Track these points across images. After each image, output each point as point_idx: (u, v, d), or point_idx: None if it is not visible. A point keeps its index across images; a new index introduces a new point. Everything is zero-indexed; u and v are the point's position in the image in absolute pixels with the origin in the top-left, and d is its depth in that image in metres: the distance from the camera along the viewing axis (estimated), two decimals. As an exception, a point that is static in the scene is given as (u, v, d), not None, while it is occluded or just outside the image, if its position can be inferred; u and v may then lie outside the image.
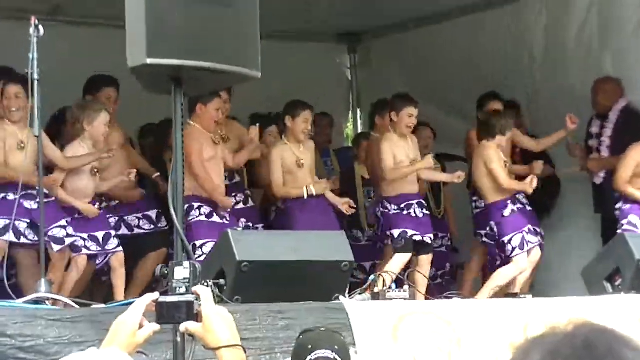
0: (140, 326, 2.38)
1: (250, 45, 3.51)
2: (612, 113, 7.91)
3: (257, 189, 7.90)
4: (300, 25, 9.11)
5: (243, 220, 7.14)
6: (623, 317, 5.30)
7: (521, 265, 7.24)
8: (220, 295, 4.77)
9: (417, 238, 7.14)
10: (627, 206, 7.34)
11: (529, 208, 7.54)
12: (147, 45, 3.30)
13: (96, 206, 6.53)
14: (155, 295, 2.53)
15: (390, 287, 5.59)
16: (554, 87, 8.41)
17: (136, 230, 6.96)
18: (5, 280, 5.47)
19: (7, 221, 5.96)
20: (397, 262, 6.98)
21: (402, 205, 7.20)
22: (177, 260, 2.93)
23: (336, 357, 3.46)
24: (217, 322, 2.39)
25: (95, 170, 6.52)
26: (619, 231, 7.20)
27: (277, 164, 7.08)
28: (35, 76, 5.14)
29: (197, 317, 2.44)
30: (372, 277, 5.87)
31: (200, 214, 6.60)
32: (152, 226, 7.03)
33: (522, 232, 7.25)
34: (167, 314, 2.50)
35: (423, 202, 7.36)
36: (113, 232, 6.55)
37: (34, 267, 6.11)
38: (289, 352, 3.64)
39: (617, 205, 7.41)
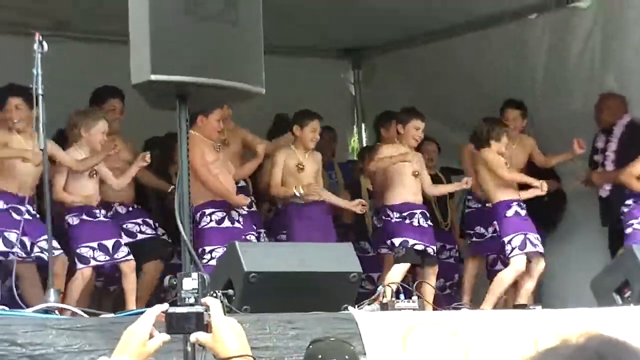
0: (151, 336, 2.39)
1: (254, 61, 3.52)
2: (617, 128, 7.96)
3: (261, 199, 7.93)
4: (305, 41, 9.14)
5: (254, 226, 7.14)
6: (633, 329, 5.29)
7: (519, 267, 7.15)
8: (229, 306, 4.78)
9: (419, 247, 7.11)
10: (630, 202, 7.34)
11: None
12: (151, 61, 3.30)
13: (101, 215, 6.52)
14: (165, 305, 2.53)
15: (398, 298, 5.58)
16: (556, 105, 8.43)
17: (139, 236, 6.94)
18: (15, 290, 5.49)
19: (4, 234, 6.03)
20: (397, 272, 6.96)
21: (405, 214, 7.19)
22: (186, 272, 2.93)
23: (346, 367, 3.46)
24: (227, 333, 2.39)
25: (94, 173, 6.54)
26: (628, 230, 7.20)
27: (280, 165, 7.14)
28: (40, 91, 5.18)
29: (207, 328, 2.44)
30: (380, 287, 5.88)
31: (211, 220, 6.63)
32: (153, 232, 7.02)
33: (523, 234, 7.21)
34: (176, 325, 2.51)
35: (427, 213, 7.33)
36: (123, 241, 6.56)
37: (33, 277, 6.15)
38: (299, 361, 3.64)
39: (627, 202, 7.40)
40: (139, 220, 6.96)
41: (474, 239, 7.87)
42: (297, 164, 7.14)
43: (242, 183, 7.53)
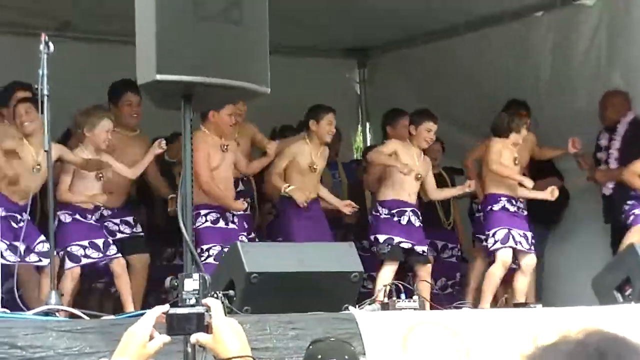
0: (151, 337, 2.39)
1: (259, 61, 3.51)
2: (621, 126, 7.95)
3: (265, 201, 7.94)
4: (310, 41, 9.14)
5: (246, 226, 7.14)
6: (634, 326, 5.28)
7: (503, 259, 7.10)
8: (230, 306, 4.78)
9: (406, 245, 7.05)
10: (632, 201, 7.37)
11: (524, 215, 7.51)
12: (157, 61, 3.30)
13: (92, 219, 6.53)
14: (165, 307, 2.53)
15: (399, 297, 5.58)
16: (561, 103, 8.42)
17: (118, 235, 6.92)
18: (16, 292, 5.49)
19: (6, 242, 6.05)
20: (387, 272, 6.91)
21: (394, 211, 7.15)
22: (187, 272, 2.93)
23: (346, 367, 3.46)
24: (228, 333, 2.40)
25: (100, 175, 6.55)
26: (630, 218, 7.20)
27: (287, 157, 7.13)
28: (45, 92, 5.18)
29: (207, 329, 2.44)
30: (380, 287, 5.87)
31: (206, 220, 6.65)
32: (131, 230, 6.99)
33: (507, 229, 7.17)
34: (177, 326, 2.51)
35: (418, 211, 7.26)
36: (111, 240, 6.57)
37: (32, 279, 6.16)
38: (299, 362, 3.64)
39: (624, 207, 7.41)
40: (117, 221, 6.94)
41: (484, 243, 7.84)
42: (309, 164, 7.14)
43: (241, 187, 7.54)
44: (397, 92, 9.45)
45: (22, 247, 6.05)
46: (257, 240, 7.33)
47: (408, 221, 7.14)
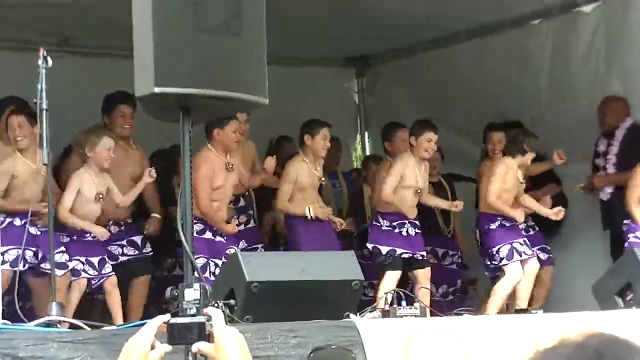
0: (152, 347, 2.39)
1: (257, 72, 3.52)
2: (619, 131, 7.96)
3: (267, 212, 7.94)
4: (308, 50, 9.16)
5: (242, 242, 7.14)
6: (635, 331, 5.29)
7: (515, 275, 7.16)
8: (231, 315, 4.77)
9: (406, 255, 7.11)
10: (635, 225, 7.35)
11: (530, 230, 7.55)
12: (155, 74, 3.31)
13: (89, 236, 6.56)
14: (166, 316, 2.54)
15: (400, 305, 5.58)
16: (561, 110, 8.43)
17: (121, 258, 6.96)
18: (17, 304, 5.49)
19: (18, 251, 6.07)
20: (390, 280, 6.95)
21: (395, 223, 7.19)
22: (187, 282, 2.94)
23: (348, 375, 3.46)
24: (229, 342, 2.40)
25: (100, 196, 6.56)
26: (625, 244, 7.22)
27: (290, 178, 7.13)
28: (44, 106, 5.20)
29: (208, 338, 2.44)
30: (381, 295, 5.88)
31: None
32: (137, 252, 7.03)
33: (510, 244, 7.22)
34: (178, 335, 2.51)
35: (417, 222, 7.30)
36: (106, 258, 6.63)
37: (45, 292, 6.16)
38: (301, 370, 3.64)
39: (625, 221, 7.42)
40: (124, 242, 6.97)
41: (487, 262, 7.84)
42: (311, 181, 7.16)
43: (242, 202, 7.56)
44: (397, 101, 9.47)
45: (29, 253, 6.08)
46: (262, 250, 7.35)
47: (407, 232, 7.19)
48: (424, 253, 7.27)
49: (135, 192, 6.84)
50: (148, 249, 7.09)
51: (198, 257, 6.37)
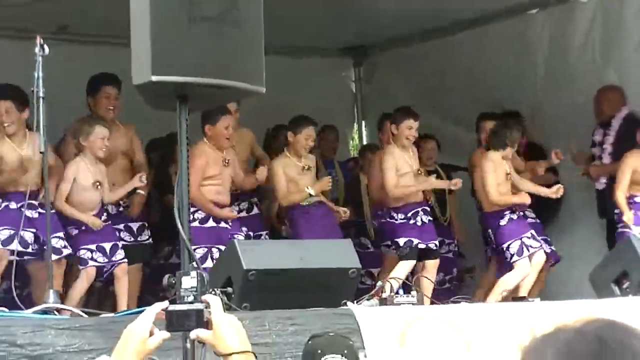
0: (151, 334, 2.39)
1: (254, 61, 3.52)
2: (615, 121, 7.97)
3: (266, 199, 7.94)
4: (306, 40, 9.13)
5: (244, 229, 7.13)
6: (632, 319, 5.30)
7: (523, 270, 7.22)
8: (228, 303, 4.78)
9: (422, 246, 7.18)
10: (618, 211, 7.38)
11: (530, 220, 7.57)
12: (152, 62, 3.30)
13: (103, 218, 6.58)
14: (164, 303, 2.54)
15: (398, 293, 5.59)
16: (558, 99, 8.44)
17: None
18: (14, 292, 5.50)
19: (12, 231, 6.07)
20: (402, 268, 7.00)
21: (409, 214, 7.24)
22: (185, 270, 2.94)
23: (346, 361, 3.47)
24: (227, 329, 2.40)
25: (98, 184, 6.56)
26: (617, 232, 7.26)
27: (280, 177, 7.13)
28: (41, 94, 5.19)
29: (207, 325, 2.45)
30: (379, 283, 5.89)
31: (194, 219, 6.63)
32: (132, 238, 7.00)
33: (520, 239, 7.25)
34: (176, 322, 2.51)
35: (428, 208, 7.37)
36: (120, 244, 6.59)
37: (43, 278, 6.16)
38: (299, 356, 3.65)
39: (617, 210, 7.44)
40: (121, 226, 6.95)
41: (488, 252, 7.88)
42: (297, 171, 7.14)
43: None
44: (395, 90, 9.46)
45: (27, 235, 6.05)
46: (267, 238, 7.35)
47: (422, 222, 7.24)
48: (437, 242, 7.31)
49: (122, 191, 6.82)
50: (144, 236, 7.06)
51: (198, 248, 6.35)
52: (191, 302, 2.59)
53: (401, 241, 7.15)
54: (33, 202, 6.16)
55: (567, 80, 8.42)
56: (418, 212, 7.27)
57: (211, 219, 6.66)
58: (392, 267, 7.21)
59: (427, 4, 8.23)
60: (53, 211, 6.14)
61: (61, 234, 6.26)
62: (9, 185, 6.29)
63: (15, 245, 6.04)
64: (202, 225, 6.58)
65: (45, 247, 6.05)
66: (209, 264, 6.24)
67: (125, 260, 6.53)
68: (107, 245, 6.48)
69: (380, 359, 4.73)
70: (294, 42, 8.89)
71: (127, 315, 4.66)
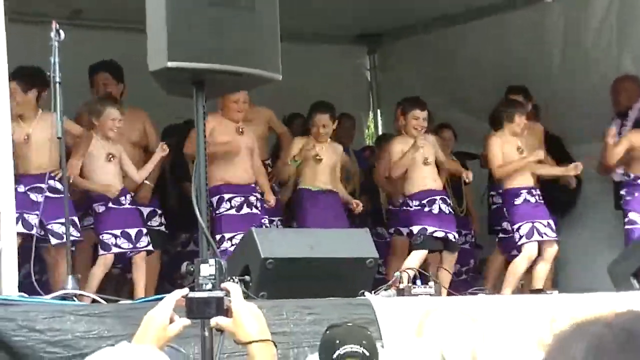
0: (171, 321, 2.40)
1: (271, 47, 3.51)
2: (632, 111, 7.92)
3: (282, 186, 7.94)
4: (321, 27, 9.12)
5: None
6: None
7: (529, 253, 7.09)
8: (246, 292, 4.79)
9: (439, 235, 7.08)
10: (628, 198, 7.34)
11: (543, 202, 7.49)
12: (168, 48, 3.29)
13: (126, 202, 6.55)
14: (184, 290, 2.54)
15: (415, 283, 5.59)
16: (574, 87, 8.40)
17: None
18: (33, 277, 5.51)
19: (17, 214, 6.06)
20: (414, 258, 6.91)
21: (425, 201, 7.16)
22: (203, 258, 2.94)
23: (364, 351, 3.47)
24: (247, 317, 2.40)
25: (111, 156, 6.56)
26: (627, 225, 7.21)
27: (295, 148, 7.15)
28: (58, 79, 5.20)
29: (227, 313, 2.45)
30: (396, 273, 5.88)
31: (231, 207, 6.63)
32: (143, 225, 6.95)
33: (531, 222, 7.16)
34: (197, 310, 2.52)
35: (447, 198, 7.30)
36: (145, 230, 6.57)
37: (60, 263, 6.17)
38: (317, 346, 3.65)
39: (622, 192, 7.37)
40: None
41: (501, 234, 7.84)
42: (314, 155, 7.15)
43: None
44: (410, 79, 9.44)
45: (35, 220, 6.03)
46: (279, 224, 7.34)
47: (439, 210, 7.16)
48: (456, 234, 7.21)
49: (149, 166, 6.81)
50: (154, 222, 6.97)
51: (237, 234, 6.35)
52: (210, 290, 2.59)
53: (415, 229, 7.07)
54: (40, 185, 6.14)
55: (583, 69, 8.37)
56: (435, 200, 7.18)
57: (245, 206, 6.66)
58: (401, 254, 7.16)
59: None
60: (61, 195, 6.12)
61: (63, 220, 6.18)
62: (18, 168, 6.26)
63: (19, 228, 6.02)
64: (238, 213, 6.59)
65: (49, 232, 6.04)
66: None
67: (150, 247, 6.48)
68: (133, 231, 6.42)
69: (398, 349, 4.73)
70: (308, 29, 8.87)
71: (146, 302, 4.67)
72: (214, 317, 2.47)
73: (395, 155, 7.22)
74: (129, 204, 6.55)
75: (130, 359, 2.07)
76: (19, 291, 4.61)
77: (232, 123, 6.80)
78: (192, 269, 2.80)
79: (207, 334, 3.17)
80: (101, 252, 6.37)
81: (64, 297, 4.75)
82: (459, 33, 9.05)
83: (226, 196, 6.63)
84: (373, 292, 5.28)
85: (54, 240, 5.98)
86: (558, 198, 7.81)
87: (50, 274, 6.30)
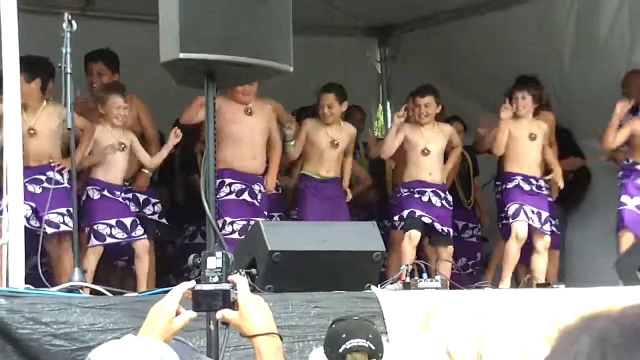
0: (177, 313, 2.40)
1: (282, 39, 3.51)
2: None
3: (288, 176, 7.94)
4: (331, 19, 9.11)
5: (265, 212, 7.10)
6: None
7: (516, 232, 7.05)
8: (253, 284, 4.78)
9: (427, 220, 7.00)
10: (624, 181, 7.34)
11: (546, 196, 7.45)
12: (180, 40, 3.30)
13: (120, 196, 6.54)
14: (191, 283, 2.54)
15: (421, 277, 5.57)
16: (585, 80, 8.36)
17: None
18: (40, 269, 5.51)
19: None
20: (407, 252, 6.82)
21: (415, 190, 7.11)
22: (210, 250, 2.94)
23: (370, 345, 3.46)
24: (254, 310, 2.40)
25: (123, 145, 6.55)
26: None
27: (301, 133, 7.16)
28: (69, 70, 5.20)
29: (233, 306, 2.45)
30: (403, 267, 5.87)
31: (231, 191, 6.61)
32: (137, 209, 6.84)
33: (518, 204, 7.11)
34: (203, 302, 2.52)
35: (441, 193, 7.19)
36: (137, 220, 6.55)
37: (63, 256, 6.18)
38: (322, 339, 3.65)
39: (618, 175, 7.37)
40: (129, 195, 6.77)
41: (504, 221, 7.82)
42: (330, 141, 7.15)
43: None
44: (420, 71, 9.42)
45: (28, 212, 5.99)
46: (278, 218, 7.32)
47: (428, 200, 7.11)
48: (448, 229, 7.13)
49: (164, 152, 6.80)
50: (148, 211, 6.89)
51: (238, 220, 6.37)
52: (217, 282, 2.59)
53: (405, 213, 7.02)
54: (39, 176, 6.13)
55: (595, 61, 8.33)
56: (425, 191, 7.10)
57: (246, 193, 6.64)
58: (398, 248, 7.13)
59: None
60: (61, 186, 6.11)
61: (63, 210, 6.07)
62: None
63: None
64: (238, 198, 6.58)
65: (45, 223, 6.00)
66: None
67: (145, 237, 6.44)
68: (127, 221, 6.39)
69: (404, 342, 4.72)
70: (319, 21, 8.87)
71: (152, 294, 4.67)
72: (220, 310, 2.47)
73: (391, 132, 7.25)
74: (122, 199, 6.52)
75: (135, 352, 2.07)
76: (25, 283, 4.61)
77: (238, 105, 6.77)
78: (198, 262, 2.80)
79: (212, 327, 3.17)
80: (93, 242, 6.29)
81: (70, 290, 4.75)
82: (469, 25, 9.02)
83: (227, 180, 6.60)
84: (379, 285, 5.27)
85: (49, 230, 5.96)
86: (568, 192, 7.78)
87: (55, 266, 6.29)
